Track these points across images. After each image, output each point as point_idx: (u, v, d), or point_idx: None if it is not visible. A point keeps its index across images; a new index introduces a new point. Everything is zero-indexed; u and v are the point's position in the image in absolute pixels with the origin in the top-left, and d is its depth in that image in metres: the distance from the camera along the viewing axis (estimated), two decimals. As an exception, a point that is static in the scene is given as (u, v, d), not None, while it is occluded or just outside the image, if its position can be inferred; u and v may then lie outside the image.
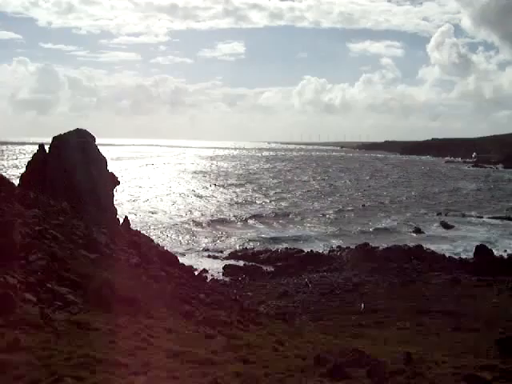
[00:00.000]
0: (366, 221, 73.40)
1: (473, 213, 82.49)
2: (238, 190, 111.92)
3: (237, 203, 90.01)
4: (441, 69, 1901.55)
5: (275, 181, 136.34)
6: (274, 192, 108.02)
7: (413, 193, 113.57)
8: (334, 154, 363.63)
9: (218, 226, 66.17)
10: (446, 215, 78.69)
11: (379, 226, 68.80)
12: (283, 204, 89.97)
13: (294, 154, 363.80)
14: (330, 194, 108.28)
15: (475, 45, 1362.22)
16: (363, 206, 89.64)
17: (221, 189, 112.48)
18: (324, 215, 77.39)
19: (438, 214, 79.60)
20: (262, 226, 67.32)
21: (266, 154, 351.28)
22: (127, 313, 13.43)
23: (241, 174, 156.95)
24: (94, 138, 36.85)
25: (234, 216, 74.28)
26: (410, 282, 40.46)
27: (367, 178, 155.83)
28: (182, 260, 40.17)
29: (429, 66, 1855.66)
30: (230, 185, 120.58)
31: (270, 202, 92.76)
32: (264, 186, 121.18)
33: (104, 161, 37.29)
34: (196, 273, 39.53)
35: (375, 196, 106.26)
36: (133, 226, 40.33)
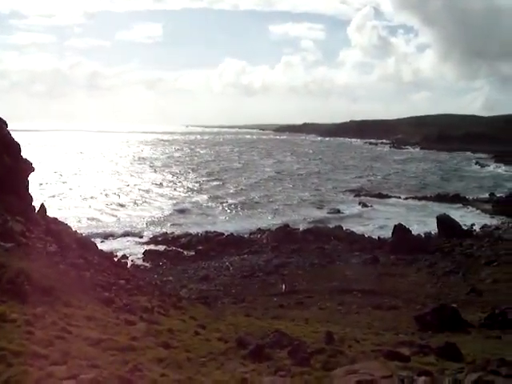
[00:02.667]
0: (284, 202, 74.17)
1: (391, 193, 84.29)
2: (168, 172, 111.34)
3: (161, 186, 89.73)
4: (361, 51, 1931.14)
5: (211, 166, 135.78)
6: (195, 176, 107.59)
7: (332, 174, 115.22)
8: (254, 137, 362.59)
9: (140, 212, 65.40)
10: (364, 196, 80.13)
11: (299, 208, 69.50)
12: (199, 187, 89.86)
13: (216, 138, 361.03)
14: (259, 176, 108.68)
15: (395, 28, 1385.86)
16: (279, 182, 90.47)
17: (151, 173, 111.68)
18: (248, 196, 77.87)
19: (356, 195, 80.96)
20: (183, 212, 66.86)
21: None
22: (45, 302, 13.09)
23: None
24: (5, 123, 35.68)
25: (154, 200, 73.73)
26: (330, 262, 41.11)
27: (287, 159, 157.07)
28: (101, 246, 39.49)
29: (349, 49, 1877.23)
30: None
31: (193, 187, 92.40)
32: (186, 170, 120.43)
33: (18, 146, 36.20)
34: (116, 259, 38.93)
35: (296, 175, 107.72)
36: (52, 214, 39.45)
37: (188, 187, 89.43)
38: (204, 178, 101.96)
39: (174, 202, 73.09)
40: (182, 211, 65.98)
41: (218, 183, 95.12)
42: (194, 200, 74.84)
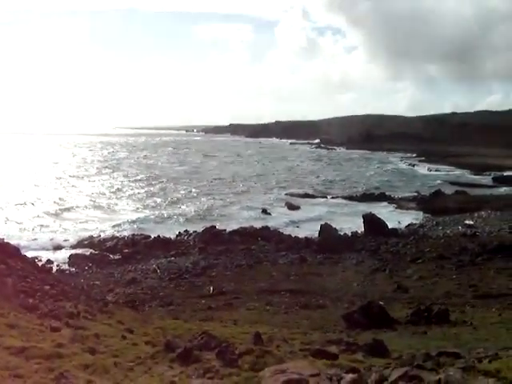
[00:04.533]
0: (212, 201, 74.19)
1: (317, 193, 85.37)
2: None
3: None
4: (288, 52, 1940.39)
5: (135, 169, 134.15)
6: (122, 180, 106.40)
7: (259, 174, 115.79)
8: (177, 138, 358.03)
9: (65, 215, 64.10)
10: (291, 196, 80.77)
11: (226, 209, 69.58)
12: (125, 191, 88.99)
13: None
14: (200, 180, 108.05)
15: (323, 29, 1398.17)
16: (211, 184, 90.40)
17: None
18: (168, 199, 77.36)
19: (283, 195, 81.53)
20: (105, 215, 66.03)
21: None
22: (-35, 310, 12.74)
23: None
24: None
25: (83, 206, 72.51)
26: (257, 262, 41.26)
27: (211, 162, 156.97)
28: (24, 252, 38.56)
29: (277, 50, 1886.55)
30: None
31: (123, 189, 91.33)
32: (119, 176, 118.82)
33: None
34: (40, 264, 38.14)
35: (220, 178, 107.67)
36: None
37: (115, 191, 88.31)
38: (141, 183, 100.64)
39: (100, 205, 72.07)
40: (109, 215, 65.14)
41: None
42: (123, 204, 74.01)
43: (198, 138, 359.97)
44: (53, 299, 18.30)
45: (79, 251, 45.70)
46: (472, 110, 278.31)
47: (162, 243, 47.86)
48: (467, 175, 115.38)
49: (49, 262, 41.18)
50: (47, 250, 46.53)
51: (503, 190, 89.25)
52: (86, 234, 51.96)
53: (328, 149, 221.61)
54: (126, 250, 45.74)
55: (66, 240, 49.79)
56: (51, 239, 50.12)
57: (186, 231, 53.10)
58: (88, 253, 45.21)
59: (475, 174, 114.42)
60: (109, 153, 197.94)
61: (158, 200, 76.89)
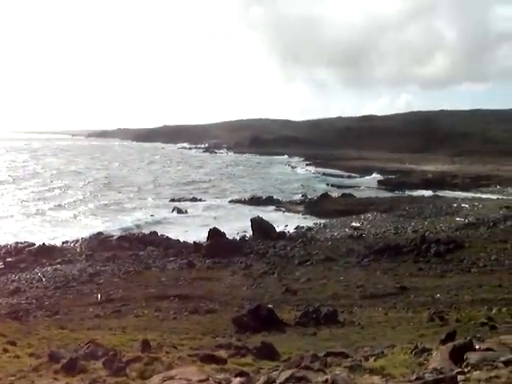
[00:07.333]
0: (97, 209, 72.98)
1: (204, 197, 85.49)
2: None
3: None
4: (178, 55, 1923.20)
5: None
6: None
7: (146, 179, 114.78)
8: (69, 143, 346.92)
9: None
10: (179, 201, 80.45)
11: (113, 215, 68.57)
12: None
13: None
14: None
15: (215, 33, 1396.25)
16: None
17: None
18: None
19: (171, 200, 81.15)
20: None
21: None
22: None
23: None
24: None
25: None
26: (146, 268, 40.82)
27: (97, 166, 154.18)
28: None
29: (167, 53, 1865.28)
30: None
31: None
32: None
33: None
34: None
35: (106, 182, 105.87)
36: None
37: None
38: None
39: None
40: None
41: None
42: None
43: (85, 143, 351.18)
44: None
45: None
46: (358, 115, 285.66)
47: (48, 251, 46.39)
48: (353, 178, 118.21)
49: None
50: None
51: (388, 192, 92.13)
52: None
53: (216, 153, 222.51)
54: (9, 259, 44.04)
55: None
56: None
57: (71, 238, 51.90)
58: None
59: (361, 177, 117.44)
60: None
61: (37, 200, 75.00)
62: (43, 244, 47.91)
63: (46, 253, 45.75)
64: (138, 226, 59.72)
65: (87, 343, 12.70)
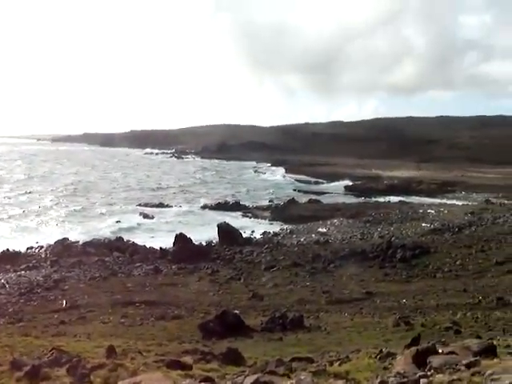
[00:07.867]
0: (59, 215, 72.24)
1: (171, 202, 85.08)
2: None
3: None
4: (147, 61, 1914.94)
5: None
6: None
7: (113, 184, 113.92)
8: (32, 147, 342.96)
9: None
10: (145, 206, 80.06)
11: (77, 220, 67.90)
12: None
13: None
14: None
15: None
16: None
17: None
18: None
19: (137, 205, 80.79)
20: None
21: None
22: None
23: None
24: None
25: None
26: (112, 274, 40.58)
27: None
28: None
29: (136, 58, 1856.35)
30: None
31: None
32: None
33: None
34: None
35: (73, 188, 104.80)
36: None
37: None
38: None
39: None
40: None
41: None
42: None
43: (52, 148, 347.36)
44: None
45: None
46: (326, 121, 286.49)
47: (12, 257, 45.79)
48: (321, 184, 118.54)
49: None
50: None
51: (355, 198, 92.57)
52: None
53: (183, 158, 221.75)
54: (-29, 266, 43.42)
55: None
56: None
57: (37, 243, 51.31)
58: None
59: (328, 183, 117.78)
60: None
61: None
62: (7, 250, 47.21)
63: (9, 259, 45.15)
64: (104, 232, 59.18)
65: (51, 350, 12.52)
